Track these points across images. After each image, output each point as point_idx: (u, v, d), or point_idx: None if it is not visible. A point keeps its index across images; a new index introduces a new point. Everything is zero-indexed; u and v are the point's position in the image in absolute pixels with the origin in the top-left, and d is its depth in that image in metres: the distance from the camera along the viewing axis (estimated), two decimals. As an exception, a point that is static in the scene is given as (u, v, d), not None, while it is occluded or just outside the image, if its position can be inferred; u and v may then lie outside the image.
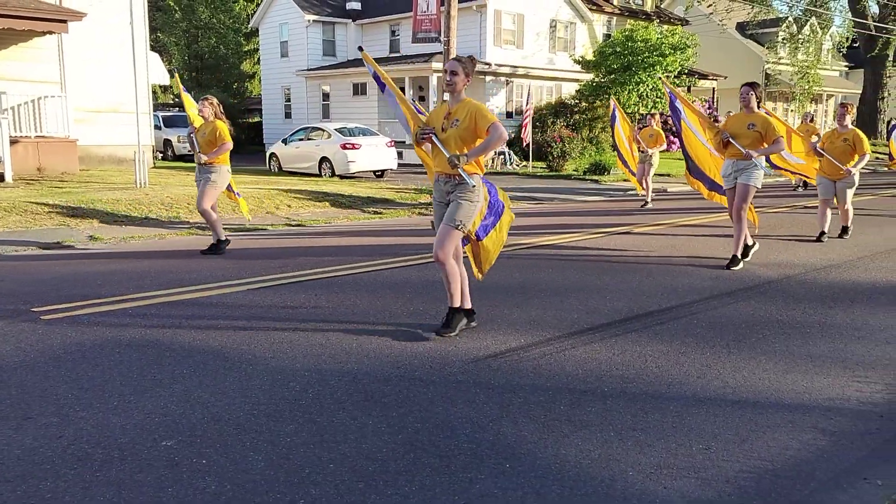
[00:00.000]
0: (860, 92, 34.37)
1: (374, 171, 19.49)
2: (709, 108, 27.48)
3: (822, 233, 8.85)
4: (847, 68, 42.11)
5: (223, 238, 8.09)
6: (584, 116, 24.74)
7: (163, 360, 4.35)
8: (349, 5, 30.56)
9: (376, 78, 5.50)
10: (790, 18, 33.98)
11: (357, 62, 29.10)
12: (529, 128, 21.52)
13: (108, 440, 3.26)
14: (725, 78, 32.36)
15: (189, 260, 7.74)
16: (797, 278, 6.82)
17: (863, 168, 9.85)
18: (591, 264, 7.51)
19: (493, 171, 22.06)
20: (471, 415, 3.59)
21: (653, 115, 13.11)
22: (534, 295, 6.11)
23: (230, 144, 7.75)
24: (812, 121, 14.84)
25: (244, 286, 6.35)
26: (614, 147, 14.11)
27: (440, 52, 16.24)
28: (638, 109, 21.65)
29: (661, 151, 12.90)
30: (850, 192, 8.89)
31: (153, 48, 39.55)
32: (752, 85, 7.12)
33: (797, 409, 3.73)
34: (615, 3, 30.84)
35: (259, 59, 34.92)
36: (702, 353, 4.59)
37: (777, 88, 36.75)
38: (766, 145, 7.01)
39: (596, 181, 18.31)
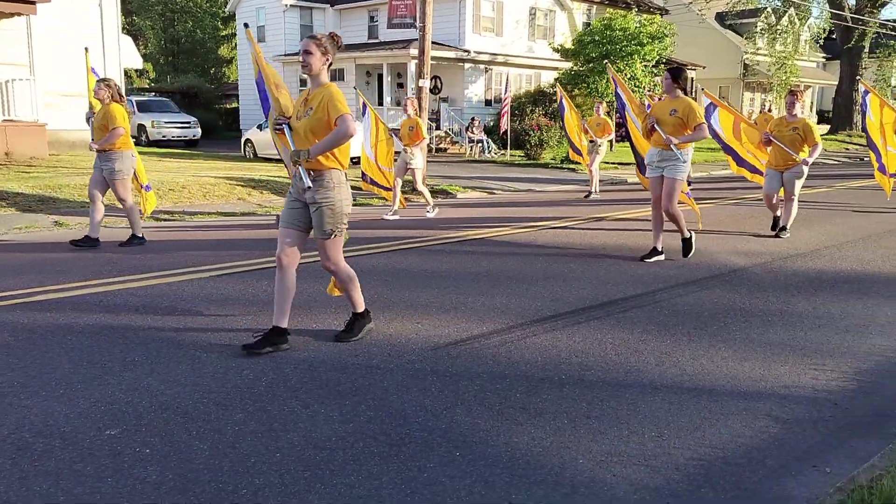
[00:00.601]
0: (836, 83, 34.64)
1: (351, 158, 19.31)
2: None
3: (777, 219, 8.57)
4: (824, 59, 42.43)
5: (139, 235, 7.64)
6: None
7: (115, 347, 4.26)
8: (327, -10, 30.24)
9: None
10: (769, 9, 34.13)
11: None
12: (508, 116, 21.45)
13: (51, 429, 3.19)
14: (704, 68, 32.47)
15: (153, 246, 7.62)
16: (763, 266, 6.85)
17: (819, 159, 9.88)
18: (559, 252, 7.49)
19: (471, 159, 22.00)
20: (425, 403, 3.55)
21: (600, 104, 13.01)
22: (500, 283, 6.07)
23: (122, 130, 7.19)
24: (770, 111, 14.82)
25: (206, 273, 6.26)
26: (565, 136, 14.02)
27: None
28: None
29: (611, 140, 12.77)
30: (798, 184, 8.29)
31: (128, 32, 38.99)
32: (672, 71, 6.79)
33: (752, 396, 3.73)
34: (595, -9, 30.77)
35: (236, 43, 34.47)
36: (662, 340, 4.59)
37: (755, 79, 36.95)
38: (689, 132, 6.69)
39: (573, 170, 18.30)
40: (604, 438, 3.22)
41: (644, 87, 22.52)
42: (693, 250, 7.09)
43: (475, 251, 7.47)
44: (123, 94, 7.53)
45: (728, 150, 9.35)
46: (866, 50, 31.38)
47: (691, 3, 32.04)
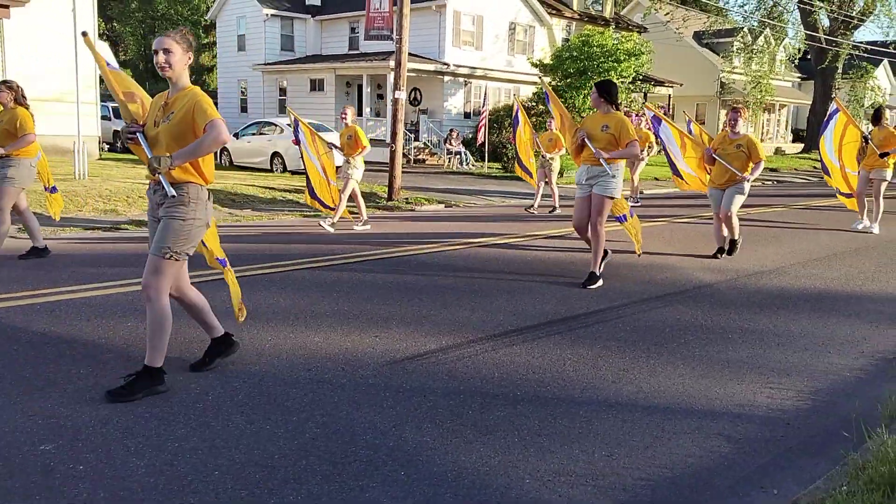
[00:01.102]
0: (810, 102, 35.16)
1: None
2: (664, 114, 27.83)
3: (721, 249, 8.13)
4: (800, 79, 43.06)
5: (41, 246, 7.12)
6: (540, 119, 24.78)
7: (62, 358, 4.15)
8: (308, 1, 30.22)
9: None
10: (745, 29, 34.62)
11: (315, 58, 28.82)
12: (486, 129, 21.49)
13: (-18, 444, 3.08)
14: (682, 85, 32.81)
15: (112, 255, 7.49)
16: (728, 283, 6.86)
17: (789, 177, 9.90)
18: (525, 266, 7.46)
19: (448, 170, 22.01)
20: (375, 420, 3.48)
21: (553, 119, 12.93)
22: (464, 295, 6.03)
23: (33, 137, 6.75)
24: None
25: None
26: (514, 152, 13.78)
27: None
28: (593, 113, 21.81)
29: (561, 155, 12.69)
30: (738, 200, 7.87)
31: (108, 38, 38.73)
32: (600, 85, 6.41)
33: (706, 415, 3.71)
34: (575, 8, 31.03)
35: (217, 52, 34.31)
36: (621, 356, 4.56)
37: (731, 97, 37.39)
38: (621, 148, 6.36)
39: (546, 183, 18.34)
40: (553, 457, 3.17)
41: (622, 103, 22.69)
42: (599, 284, 6.48)
43: (443, 264, 7.42)
44: (26, 96, 6.97)
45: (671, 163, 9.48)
46: (839, 71, 31.90)
47: (669, 21, 32.41)
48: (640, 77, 24.47)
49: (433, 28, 25.45)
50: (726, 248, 8.13)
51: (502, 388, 3.96)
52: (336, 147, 10.02)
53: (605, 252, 6.76)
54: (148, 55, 39.23)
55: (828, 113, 10.80)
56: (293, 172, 18.34)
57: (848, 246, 9.25)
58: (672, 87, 32.03)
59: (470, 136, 24.47)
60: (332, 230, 9.51)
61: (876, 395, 3.96)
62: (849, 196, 10.66)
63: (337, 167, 10.27)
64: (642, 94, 27.99)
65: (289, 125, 19.15)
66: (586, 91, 21.95)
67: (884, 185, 10.43)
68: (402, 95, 13.68)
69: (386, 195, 13.78)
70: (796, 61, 40.97)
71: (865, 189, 10.50)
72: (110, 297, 5.62)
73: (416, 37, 22.27)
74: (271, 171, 18.66)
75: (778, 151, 36.94)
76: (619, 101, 6.54)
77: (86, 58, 17.83)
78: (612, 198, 6.48)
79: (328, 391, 3.81)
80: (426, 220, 11.36)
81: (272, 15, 28.72)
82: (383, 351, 4.51)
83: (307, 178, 10.13)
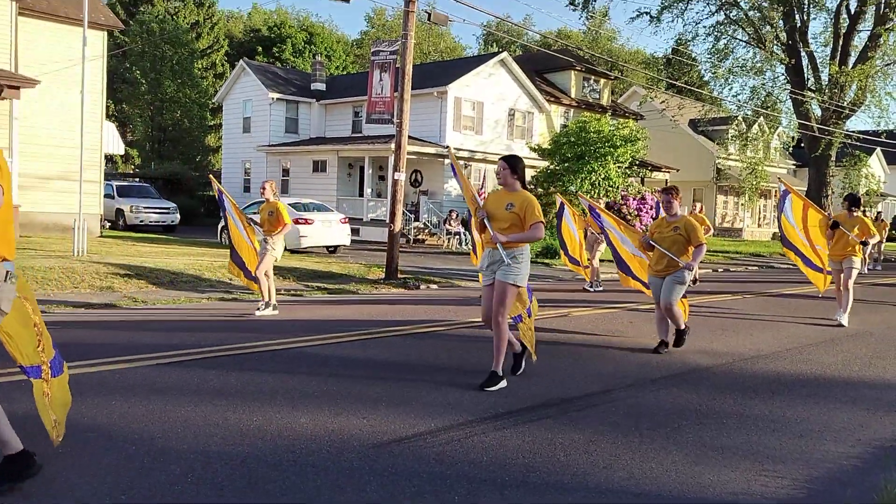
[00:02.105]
0: (805, 189, 35.73)
1: (328, 247, 19.49)
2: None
3: (664, 343, 7.45)
4: (795, 166, 43.86)
5: None
6: (539, 202, 25.17)
7: (39, 438, 4.06)
8: (314, 86, 31.16)
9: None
10: (739, 117, 35.51)
11: (319, 140, 29.50)
12: (484, 211, 21.71)
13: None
14: (678, 171, 33.43)
15: (103, 331, 7.45)
16: (723, 367, 6.79)
17: (784, 262, 9.80)
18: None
19: (448, 250, 22.15)
20: (357, 504, 3.38)
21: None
22: (457, 375, 5.95)
23: None
24: (701, 211, 14.74)
25: (148, 361, 6.08)
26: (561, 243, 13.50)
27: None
28: (590, 196, 22.08)
29: None
30: (679, 291, 7.25)
31: (116, 119, 39.72)
32: (507, 159, 5.85)
33: None
34: (573, 95, 31.96)
35: (223, 134, 35.13)
36: (613, 442, 4.47)
37: (727, 182, 38.01)
38: (525, 231, 5.65)
39: (547, 264, 18.45)
40: (539, 547, 3.06)
41: (619, 187, 23.07)
42: (501, 385, 5.63)
43: (437, 343, 7.37)
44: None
45: (618, 262, 9.20)
46: (833, 158, 32.51)
47: (664, 109, 33.29)
48: (637, 162, 24.95)
49: (434, 113, 26.15)
50: (670, 341, 7.48)
51: (490, 473, 3.86)
52: (256, 223, 9.28)
53: (500, 375, 5.72)
54: (155, 136, 40.14)
55: (779, 195, 10.37)
56: (292, 251, 18.46)
57: (843, 332, 9.19)
58: (669, 172, 32.61)
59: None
60: (268, 313, 8.86)
61: (872, 483, 3.86)
62: (819, 270, 9.73)
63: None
64: (639, 179, 28.48)
65: (290, 205, 19.44)
66: (583, 175, 22.37)
67: (854, 273, 9.74)
68: (402, 177, 13.92)
69: (385, 274, 13.82)
70: (790, 149, 41.82)
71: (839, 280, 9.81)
72: (92, 374, 5.55)
73: (417, 121, 22.87)
74: (271, 249, 18.77)
75: (775, 237, 37.25)
76: (525, 179, 5.91)
77: (94, 138, 18.27)
78: (517, 286, 5.69)
79: (311, 474, 3.72)
80: (426, 302, 11.35)
81: (278, 98, 29.57)
82: (370, 433, 4.42)
83: (231, 245, 9.44)
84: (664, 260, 7.30)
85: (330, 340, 7.32)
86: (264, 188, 9.21)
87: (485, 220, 5.74)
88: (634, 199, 23.43)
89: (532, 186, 24.86)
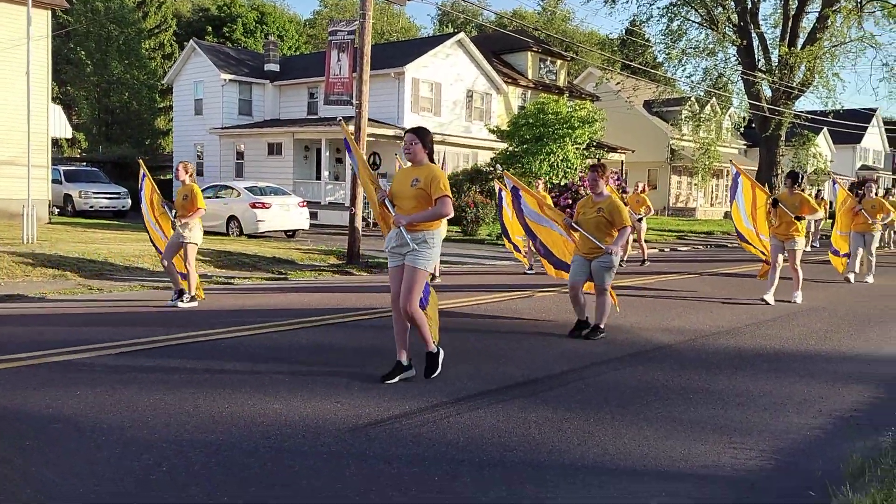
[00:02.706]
0: (756, 169, 36.54)
1: (286, 231, 19.24)
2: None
3: (580, 323, 7.15)
4: (745, 146, 44.79)
5: None
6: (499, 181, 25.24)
7: (6, 431, 3.95)
8: (267, 67, 30.59)
9: None
10: (692, 98, 36.05)
11: (273, 122, 29.02)
12: (444, 193, 21.68)
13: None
14: (633, 152, 33.83)
15: (65, 320, 7.25)
16: (686, 344, 6.94)
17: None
18: (488, 328, 7.44)
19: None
20: (336, 488, 3.37)
21: (539, 182, 13.31)
22: (425, 359, 5.94)
23: None
24: (643, 191, 14.74)
25: (110, 350, 5.94)
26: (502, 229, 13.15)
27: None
28: (549, 178, 22.21)
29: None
30: (608, 276, 6.95)
31: (61, 101, 38.42)
32: (416, 130, 5.32)
33: (673, 477, 3.69)
34: (530, 77, 32.04)
35: (173, 116, 34.30)
36: (586, 419, 4.53)
37: (681, 163, 38.64)
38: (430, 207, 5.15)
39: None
40: (521, 524, 3.10)
41: (577, 168, 23.25)
42: (438, 370, 5.41)
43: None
44: None
45: (541, 249, 8.29)
46: (783, 138, 33.29)
47: (620, 90, 33.60)
48: (595, 144, 25.16)
49: (392, 94, 25.93)
50: (587, 328, 7.08)
51: (468, 453, 3.88)
52: (170, 206, 8.63)
53: (437, 352, 5.46)
54: (102, 119, 38.99)
55: (731, 177, 10.45)
56: (249, 236, 18.19)
57: (800, 306, 9.47)
58: (624, 153, 32.99)
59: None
60: (190, 305, 8.28)
61: (836, 454, 3.99)
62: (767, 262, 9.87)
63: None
64: (597, 160, 28.76)
65: (247, 189, 19.13)
66: (542, 156, 22.48)
67: (799, 254, 9.69)
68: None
69: (346, 258, 13.73)
70: (742, 129, 42.68)
71: (779, 260, 9.63)
72: (57, 364, 5.40)
73: (374, 102, 22.61)
74: (227, 234, 18.45)
75: (727, 216, 38.08)
76: (434, 152, 5.41)
77: (40, 122, 17.65)
78: (427, 271, 5.28)
79: (288, 460, 3.69)
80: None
81: (230, 80, 28.95)
82: (344, 417, 4.40)
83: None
84: (589, 242, 6.98)
85: (296, 326, 7.25)
86: (178, 171, 8.57)
87: (385, 202, 5.32)
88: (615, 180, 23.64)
89: (491, 168, 24.93)
